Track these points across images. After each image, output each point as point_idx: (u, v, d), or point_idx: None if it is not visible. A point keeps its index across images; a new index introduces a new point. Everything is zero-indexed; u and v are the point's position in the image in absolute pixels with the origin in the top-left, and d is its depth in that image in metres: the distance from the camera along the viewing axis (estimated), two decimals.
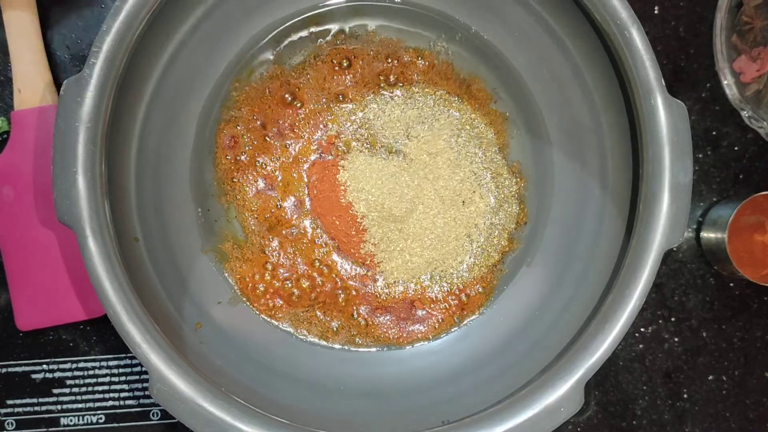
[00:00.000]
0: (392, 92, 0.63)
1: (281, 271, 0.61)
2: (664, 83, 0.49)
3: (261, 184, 0.62)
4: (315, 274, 0.62)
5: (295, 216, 0.62)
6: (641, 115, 0.49)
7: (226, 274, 0.61)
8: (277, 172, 0.62)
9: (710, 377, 0.69)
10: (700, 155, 0.69)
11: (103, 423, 0.64)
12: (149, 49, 0.53)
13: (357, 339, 0.62)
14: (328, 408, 0.56)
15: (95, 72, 0.46)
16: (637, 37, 0.49)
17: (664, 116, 0.48)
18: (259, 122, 0.62)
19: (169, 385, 0.46)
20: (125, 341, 0.46)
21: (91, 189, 0.46)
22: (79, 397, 0.64)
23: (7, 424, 0.63)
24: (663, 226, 0.48)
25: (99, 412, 0.64)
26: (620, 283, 0.49)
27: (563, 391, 0.47)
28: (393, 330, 0.62)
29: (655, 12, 0.68)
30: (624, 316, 0.48)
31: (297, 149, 0.62)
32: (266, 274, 0.61)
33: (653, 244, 0.48)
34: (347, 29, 0.63)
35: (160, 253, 0.57)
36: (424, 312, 0.62)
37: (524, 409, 0.47)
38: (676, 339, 0.69)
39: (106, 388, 0.64)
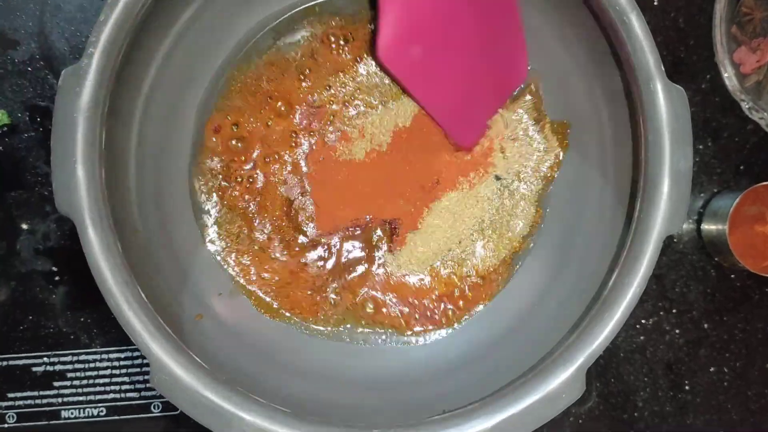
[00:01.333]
0: None
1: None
2: (663, 69, 0.49)
3: (259, 176, 0.61)
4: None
5: (296, 204, 0.62)
6: (641, 101, 0.49)
7: (226, 263, 0.61)
8: (273, 158, 0.62)
9: (711, 369, 0.69)
10: (701, 146, 0.69)
11: (104, 416, 0.63)
12: (148, 39, 0.52)
13: (361, 328, 0.62)
14: (330, 398, 0.55)
15: (93, 62, 0.46)
16: (636, 23, 0.49)
17: (664, 102, 0.48)
18: (257, 110, 0.61)
19: (170, 374, 0.45)
20: (126, 331, 0.46)
21: (90, 179, 0.46)
22: (80, 390, 0.64)
23: (8, 417, 0.63)
24: (663, 211, 0.48)
25: (100, 404, 0.64)
26: (621, 270, 0.49)
27: (564, 377, 0.47)
28: (398, 320, 0.62)
29: (655, 3, 0.68)
30: (625, 301, 0.47)
31: (298, 134, 0.62)
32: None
33: (653, 230, 0.48)
34: (347, 13, 0.62)
35: (160, 245, 0.56)
36: (428, 302, 0.62)
37: (525, 396, 0.46)
38: (677, 331, 0.69)
39: (107, 380, 0.64)
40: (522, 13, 0.60)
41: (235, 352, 0.56)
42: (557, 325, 0.53)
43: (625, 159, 0.54)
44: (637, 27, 0.49)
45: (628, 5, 0.49)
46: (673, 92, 0.48)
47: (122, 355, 0.64)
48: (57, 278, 0.64)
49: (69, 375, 0.64)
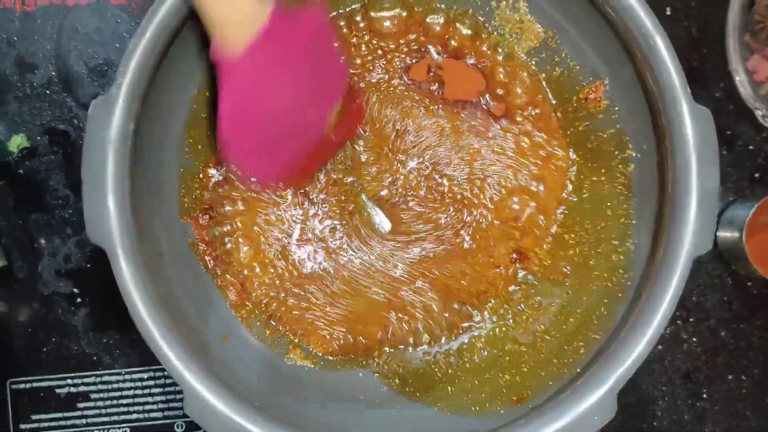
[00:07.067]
0: None
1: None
2: (689, 91, 0.49)
3: None
4: None
5: None
6: (667, 123, 0.49)
7: None
8: None
9: (730, 377, 0.69)
10: None
11: None
12: (176, 68, 0.52)
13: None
14: (360, 422, 0.55)
15: (122, 92, 0.46)
16: (662, 46, 0.48)
17: (691, 124, 0.48)
18: None
19: (204, 402, 0.46)
20: (160, 360, 0.46)
21: (121, 208, 0.46)
22: (103, 411, 0.64)
23: None
24: (692, 233, 0.48)
25: (124, 425, 0.64)
26: (650, 291, 0.49)
27: (595, 399, 0.47)
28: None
29: (667, 13, 0.68)
30: (654, 324, 0.48)
31: None
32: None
33: (682, 252, 0.48)
34: None
35: (184, 266, 0.57)
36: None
37: (556, 419, 0.47)
38: (694, 339, 0.69)
39: (130, 401, 0.64)
40: None
41: (261, 373, 0.56)
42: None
43: (651, 181, 0.54)
44: (663, 50, 0.49)
45: (654, 29, 0.49)
46: (699, 114, 0.48)
47: (145, 375, 0.64)
48: (79, 300, 0.64)
49: (92, 396, 0.64)
